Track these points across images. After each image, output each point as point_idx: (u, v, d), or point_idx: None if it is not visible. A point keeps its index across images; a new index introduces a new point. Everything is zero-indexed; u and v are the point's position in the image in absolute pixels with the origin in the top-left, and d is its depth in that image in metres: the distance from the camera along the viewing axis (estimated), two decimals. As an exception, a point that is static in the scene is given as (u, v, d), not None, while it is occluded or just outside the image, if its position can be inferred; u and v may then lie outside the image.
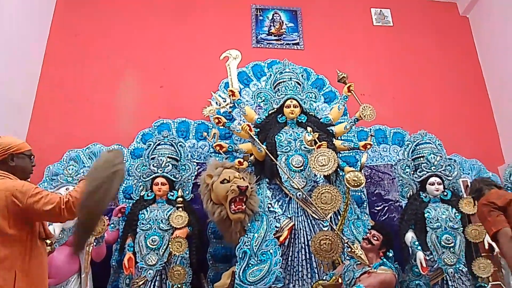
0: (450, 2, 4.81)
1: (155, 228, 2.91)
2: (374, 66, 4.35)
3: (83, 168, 3.36)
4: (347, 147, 3.28)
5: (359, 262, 2.55)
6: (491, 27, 4.35)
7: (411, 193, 3.24)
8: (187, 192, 3.29)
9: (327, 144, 2.96)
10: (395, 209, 3.64)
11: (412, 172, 3.27)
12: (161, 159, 3.15)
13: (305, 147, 3.04)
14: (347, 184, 2.88)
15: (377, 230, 2.66)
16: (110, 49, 4.02)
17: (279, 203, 2.98)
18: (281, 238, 2.79)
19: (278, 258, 2.71)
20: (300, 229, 2.88)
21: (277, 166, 2.97)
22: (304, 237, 2.85)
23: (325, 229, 2.82)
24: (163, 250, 2.86)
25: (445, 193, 3.11)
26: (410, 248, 2.98)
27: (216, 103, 3.46)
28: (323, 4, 4.58)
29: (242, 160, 3.08)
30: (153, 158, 3.20)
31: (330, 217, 2.87)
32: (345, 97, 3.35)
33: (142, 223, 2.94)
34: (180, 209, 2.94)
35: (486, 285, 2.77)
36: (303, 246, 2.83)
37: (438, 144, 3.40)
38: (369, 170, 3.77)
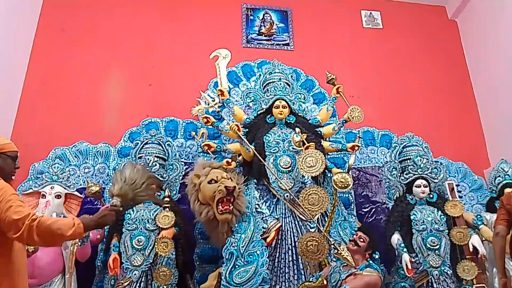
0: (439, 6, 4.84)
1: (141, 228, 2.88)
2: (363, 68, 4.36)
3: (69, 166, 3.35)
4: (335, 148, 3.29)
5: (345, 264, 2.55)
6: (479, 31, 4.39)
7: (398, 195, 3.25)
8: (174, 192, 3.26)
9: (315, 145, 2.96)
10: (382, 211, 3.65)
11: (399, 174, 3.28)
12: (148, 158, 3.12)
13: (293, 148, 3.04)
14: (334, 186, 2.89)
15: (364, 232, 2.67)
16: (98, 46, 3.96)
17: (267, 204, 2.98)
18: (268, 239, 2.78)
19: (265, 259, 2.69)
20: (288, 230, 2.87)
21: (265, 167, 2.97)
22: (291, 238, 2.84)
23: (312, 230, 2.82)
24: (149, 251, 2.83)
25: (431, 196, 3.13)
26: (396, 250, 2.98)
27: (205, 102, 3.43)
28: (314, 5, 4.58)
29: (230, 160, 3.07)
30: (140, 157, 3.17)
31: (317, 219, 2.86)
32: (334, 98, 3.35)
33: (128, 223, 2.90)
34: (167, 209, 2.91)
35: (470, 287, 2.78)
36: (290, 248, 2.82)
37: (425, 146, 3.42)
38: (357, 172, 3.79)
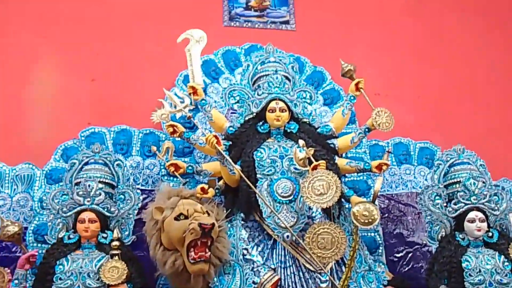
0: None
1: (79, 286, 2.84)
2: (394, 54, 4.39)
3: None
4: (354, 168, 3.29)
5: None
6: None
7: (444, 233, 3.24)
8: (126, 232, 3.22)
9: (326, 164, 2.96)
10: (422, 256, 3.64)
11: (445, 204, 3.28)
12: (89, 185, 3.10)
13: (295, 168, 3.04)
14: (354, 221, 2.88)
15: (397, 287, 2.66)
16: (21, 26, 3.96)
17: (259, 249, 2.96)
18: (262, 300, 2.78)
19: (256, 329, 2.69)
20: (289, 285, 2.85)
21: (256, 196, 2.96)
22: (294, 298, 2.86)
23: (324, 285, 2.81)
24: (90, 320, 2.81)
25: (490, 234, 3.13)
26: (442, 311, 3.00)
27: (171, 104, 3.42)
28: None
29: (206, 186, 3.06)
30: (78, 184, 3.15)
31: (331, 268, 2.86)
32: (353, 97, 3.37)
33: (60, 278, 2.85)
34: (116, 257, 2.87)
35: None
36: (293, 312, 2.83)
37: (481, 165, 3.42)
38: (386, 201, 3.78)
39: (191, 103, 3.43)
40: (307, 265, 2.89)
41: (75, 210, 3.06)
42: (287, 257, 2.92)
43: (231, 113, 3.62)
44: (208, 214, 2.84)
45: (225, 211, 3.04)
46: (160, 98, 3.47)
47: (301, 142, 2.99)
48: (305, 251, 2.82)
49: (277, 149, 3.16)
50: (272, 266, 2.91)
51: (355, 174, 3.56)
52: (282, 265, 2.91)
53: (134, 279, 2.92)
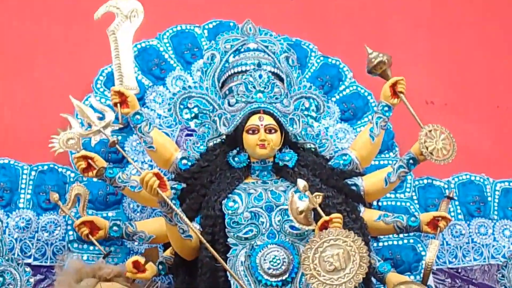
0: None
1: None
2: (452, 42, 4.48)
3: None
4: (392, 225, 3.24)
5: None
6: None
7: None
8: None
9: (344, 220, 2.87)
10: None
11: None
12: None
13: (293, 227, 2.94)
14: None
15: None
16: None
17: None
18: None
19: None
20: None
21: (227, 274, 2.84)
22: None
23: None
24: None
25: None
26: None
27: (83, 123, 3.25)
28: None
29: (142, 259, 2.90)
30: None
31: None
32: (388, 108, 3.35)
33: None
34: None
35: None
36: None
37: None
38: (448, 280, 3.77)
39: (117, 119, 3.31)
40: None
41: None
42: None
43: (186, 135, 3.65)
44: (145, 309, 2.76)
45: (175, 303, 2.98)
46: (65, 112, 3.33)
47: (301, 183, 2.80)
48: None
49: (261, 195, 3.07)
50: None
51: (394, 235, 3.55)
52: None
53: None
